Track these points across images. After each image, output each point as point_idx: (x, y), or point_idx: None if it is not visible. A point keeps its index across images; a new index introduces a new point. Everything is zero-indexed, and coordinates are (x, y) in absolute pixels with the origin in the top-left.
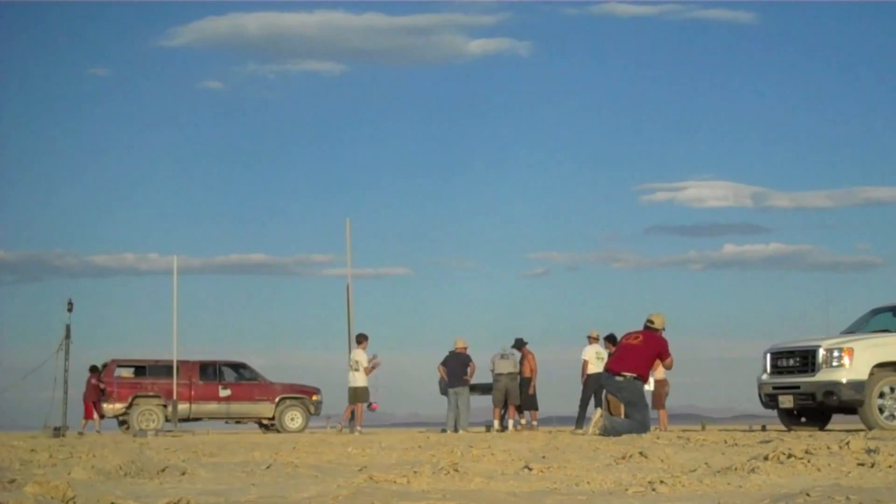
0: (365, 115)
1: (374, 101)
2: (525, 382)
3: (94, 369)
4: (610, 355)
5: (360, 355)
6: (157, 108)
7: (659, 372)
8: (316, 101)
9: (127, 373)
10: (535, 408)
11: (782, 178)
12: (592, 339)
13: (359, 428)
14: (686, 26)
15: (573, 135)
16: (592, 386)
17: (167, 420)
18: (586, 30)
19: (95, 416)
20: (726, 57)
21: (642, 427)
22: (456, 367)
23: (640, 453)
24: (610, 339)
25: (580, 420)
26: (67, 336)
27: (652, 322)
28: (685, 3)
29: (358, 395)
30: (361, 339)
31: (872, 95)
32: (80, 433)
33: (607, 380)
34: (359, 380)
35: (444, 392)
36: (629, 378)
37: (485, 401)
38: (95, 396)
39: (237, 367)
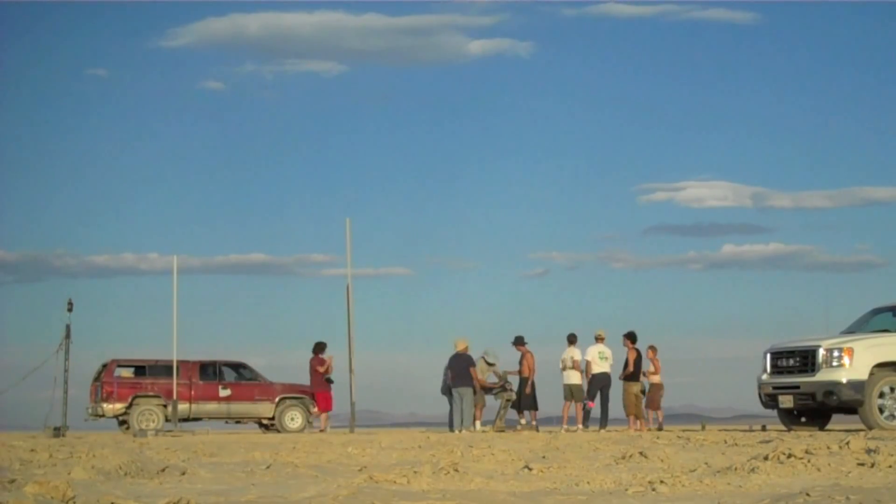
0: (365, 115)
1: (374, 102)
2: (523, 382)
3: (319, 347)
4: (632, 356)
5: (575, 353)
6: (157, 109)
7: (656, 377)
8: (316, 101)
9: (127, 373)
10: (535, 407)
11: (782, 178)
12: (598, 340)
13: (579, 426)
14: (685, 27)
15: (573, 135)
16: (597, 385)
17: (167, 420)
18: (585, 30)
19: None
20: (726, 57)
21: None
22: (460, 368)
23: (640, 453)
24: (630, 337)
25: (584, 419)
26: (67, 336)
27: None
28: (684, 3)
29: (573, 394)
30: (574, 339)
31: (872, 95)
32: (322, 430)
33: None
34: (572, 377)
35: (444, 392)
36: None
37: (487, 400)
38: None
39: (237, 367)
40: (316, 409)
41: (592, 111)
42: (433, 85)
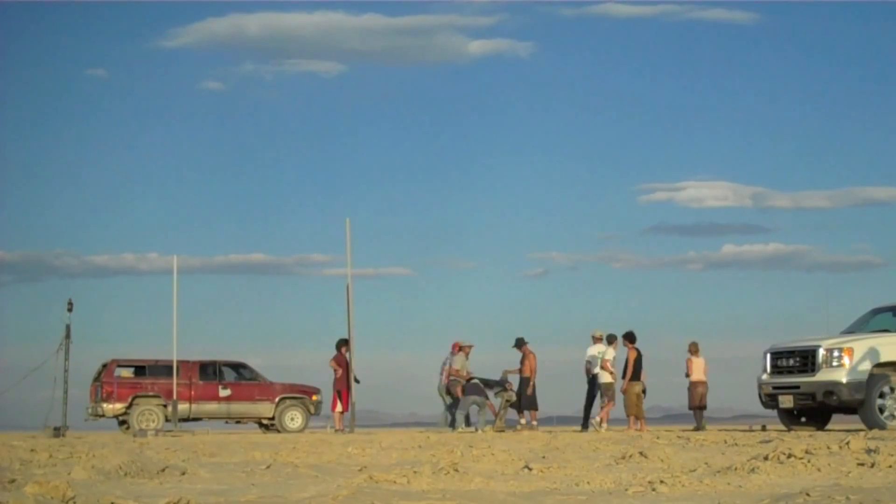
0: (364, 115)
1: (374, 102)
2: (524, 382)
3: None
4: (632, 356)
5: (600, 350)
6: (156, 109)
7: (697, 374)
8: (315, 101)
9: (127, 373)
10: (535, 407)
11: (781, 178)
12: (596, 340)
13: (604, 425)
14: (685, 27)
15: (572, 135)
16: (598, 385)
17: (167, 420)
18: (585, 30)
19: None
20: (726, 57)
21: None
22: (472, 388)
23: (640, 453)
24: (628, 338)
25: (586, 419)
26: (67, 336)
27: None
28: (684, 3)
29: (605, 393)
30: (599, 339)
31: (872, 95)
32: (336, 429)
33: None
34: (605, 377)
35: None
36: None
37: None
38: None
39: (237, 367)
40: (340, 409)
41: (592, 111)
42: (433, 85)
